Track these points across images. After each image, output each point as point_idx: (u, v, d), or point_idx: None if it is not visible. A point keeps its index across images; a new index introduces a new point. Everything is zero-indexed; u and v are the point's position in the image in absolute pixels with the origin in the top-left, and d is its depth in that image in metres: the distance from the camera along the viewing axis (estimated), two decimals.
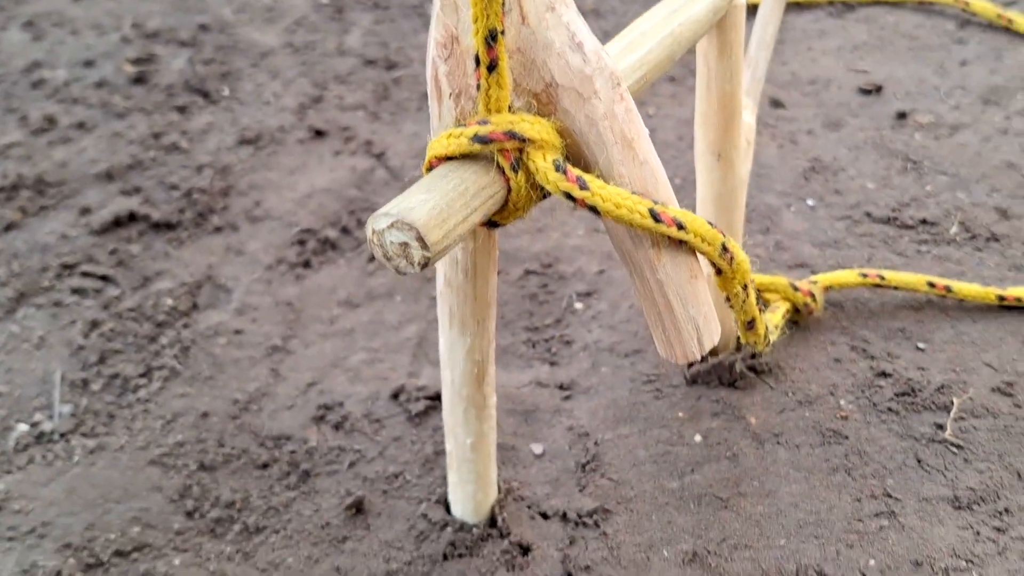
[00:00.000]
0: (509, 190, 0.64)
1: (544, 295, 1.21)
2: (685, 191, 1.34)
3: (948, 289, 1.12)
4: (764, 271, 1.20)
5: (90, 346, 1.16)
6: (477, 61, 0.60)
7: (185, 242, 1.31)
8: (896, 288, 1.13)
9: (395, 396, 1.07)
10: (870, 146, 1.40)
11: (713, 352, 1.11)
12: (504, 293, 1.21)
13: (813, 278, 1.13)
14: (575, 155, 0.65)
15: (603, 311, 1.18)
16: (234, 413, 1.07)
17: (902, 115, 1.46)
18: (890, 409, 1.02)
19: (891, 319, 1.13)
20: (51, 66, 1.69)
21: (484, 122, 0.62)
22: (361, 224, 1.32)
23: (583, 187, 0.62)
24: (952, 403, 1.02)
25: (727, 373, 1.06)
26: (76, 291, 1.23)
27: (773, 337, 0.98)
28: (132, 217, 1.34)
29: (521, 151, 0.62)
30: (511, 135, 0.61)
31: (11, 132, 1.52)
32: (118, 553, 0.93)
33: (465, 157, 0.63)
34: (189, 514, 0.97)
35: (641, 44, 0.76)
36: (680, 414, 1.03)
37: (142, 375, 1.12)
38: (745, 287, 0.74)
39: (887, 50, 1.63)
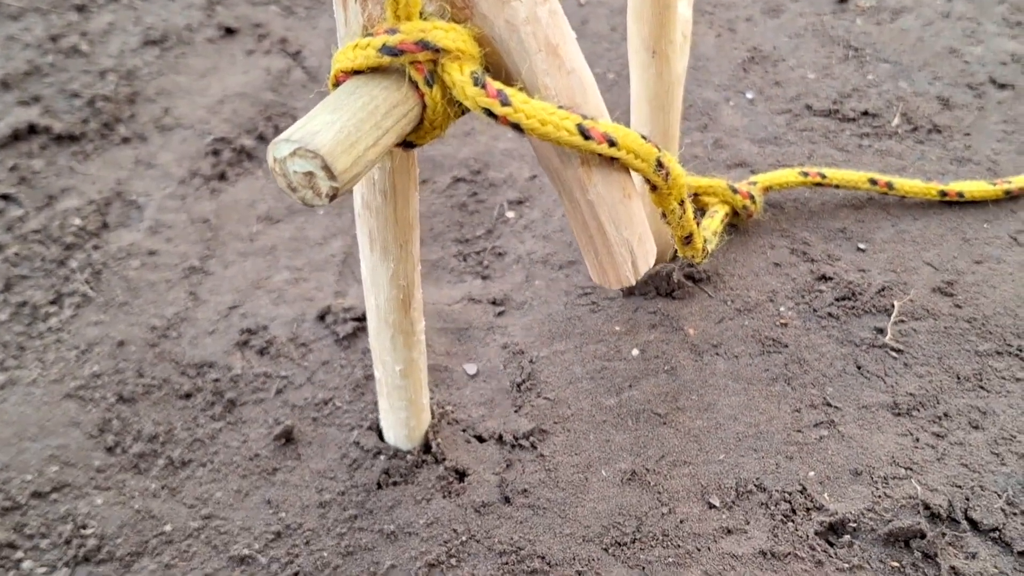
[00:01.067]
0: (424, 107, 0.58)
1: (474, 204, 1.16)
2: (620, 87, 1.29)
3: (890, 186, 1.09)
4: (702, 171, 1.16)
5: None
6: None
7: (91, 155, 1.23)
8: (837, 187, 1.10)
9: (321, 318, 1.03)
10: (810, 33, 1.36)
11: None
12: (431, 203, 1.16)
13: (752, 179, 1.09)
14: (495, 65, 0.59)
15: (536, 220, 1.13)
16: (152, 340, 1.02)
17: (841, 0, 1.41)
18: (830, 315, 1.00)
19: (832, 219, 1.10)
20: None
21: (393, 31, 0.56)
22: (279, 130, 1.25)
23: (505, 103, 0.56)
24: (893, 306, 1.00)
25: (664, 283, 1.03)
26: None
27: (711, 247, 0.95)
28: (32, 129, 1.25)
29: (435, 63, 0.57)
30: (423, 45, 0.55)
31: None
32: (36, 495, 0.88)
33: (374, 71, 0.58)
34: (110, 450, 0.92)
35: None
36: (617, 328, 1.00)
37: (52, 302, 1.06)
38: (682, 203, 0.70)
39: None
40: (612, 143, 0.59)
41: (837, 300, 1.01)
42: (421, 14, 0.57)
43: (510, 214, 1.14)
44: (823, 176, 1.10)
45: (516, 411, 0.94)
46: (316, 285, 1.07)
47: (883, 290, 1.01)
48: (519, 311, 1.03)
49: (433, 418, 0.92)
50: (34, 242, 1.12)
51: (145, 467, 0.91)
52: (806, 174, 1.10)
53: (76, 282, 1.07)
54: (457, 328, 1.02)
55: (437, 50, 0.56)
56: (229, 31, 1.40)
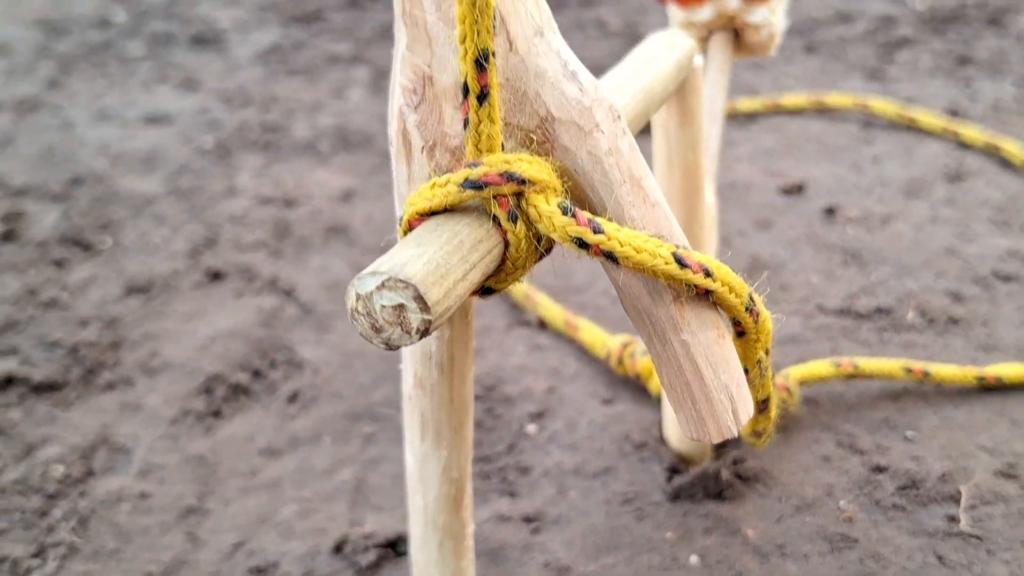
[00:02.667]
0: (507, 245, 0.55)
1: (491, 420, 1.10)
2: None
3: (926, 374, 1.06)
4: None
5: None
6: (465, 91, 0.51)
7: (73, 403, 1.15)
8: (871, 377, 1.07)
9: (338, 549, 0.93)
10: (805, 242, 1.37)
11: (690, 461, 1.02)
12: None
13: (784, 372, 1.06)
14: (578, 199, 0.56)
15: (559, 431, 1.07)
16: None
17: (830, 211, 1.45)
18: (895, 505, 0.93)
19: (872, 410, 1.06)
20: None
21: (475, 164, 0.53)
22: (275, 364, 1.20)
23: (597, 230, 0.53)
24: (959, 492, 0.94)
25: (712, 483, 0.96)
26: None
27: (772, 419, 0.89)
28: (9, 381, 1.18)
29: (519, 196, 0.53)
30: (508, 176, 0.52)
31: None
32: None
33: (452, 211, 0.54)
34: None
35: (624, 88, 0.69)
36: (668, 534, 0.92)
37: (35, 555, 0.95)
38: (767, 352, 0.65)
39: (798, 154, 1.63)
40: (708, 273, 0.56)
41: (899, 490, 0.95)
42: (502, 148, 0.55)
43: (531, 428, 1.08)
44: (856, 367, 1.07)
45: None
46: (328, 516, 0.98)
47: (944, 476, 0.96)
48: (556, 526, 0.95)
49: None
50: (13, 493, 1.02)
51: None
52: (839, 365, 1.07)
53: (61, 532, 0.97)
54: (489, 549, 0.93)
55: (522, 181, 0.53)
56: (216, 276, 1.37)
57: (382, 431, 1.09)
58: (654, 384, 1.07)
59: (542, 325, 1.25)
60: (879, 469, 0.98)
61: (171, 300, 1.33)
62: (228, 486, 1.03)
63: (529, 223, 0.54)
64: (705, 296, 0.58)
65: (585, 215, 0.54)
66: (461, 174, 0.53)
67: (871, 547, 0.89)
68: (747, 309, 0.60)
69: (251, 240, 1.45)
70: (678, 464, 1.01)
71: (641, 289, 0.57)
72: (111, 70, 2.14)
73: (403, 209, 0.59)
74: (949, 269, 1.30)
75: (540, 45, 0.54)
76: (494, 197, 0.53)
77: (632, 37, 2.21)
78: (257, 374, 1.19)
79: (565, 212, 0.53)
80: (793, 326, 1.21)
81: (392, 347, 0.50)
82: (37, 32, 2.36)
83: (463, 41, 0.50)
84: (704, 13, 0.96)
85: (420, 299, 0.47)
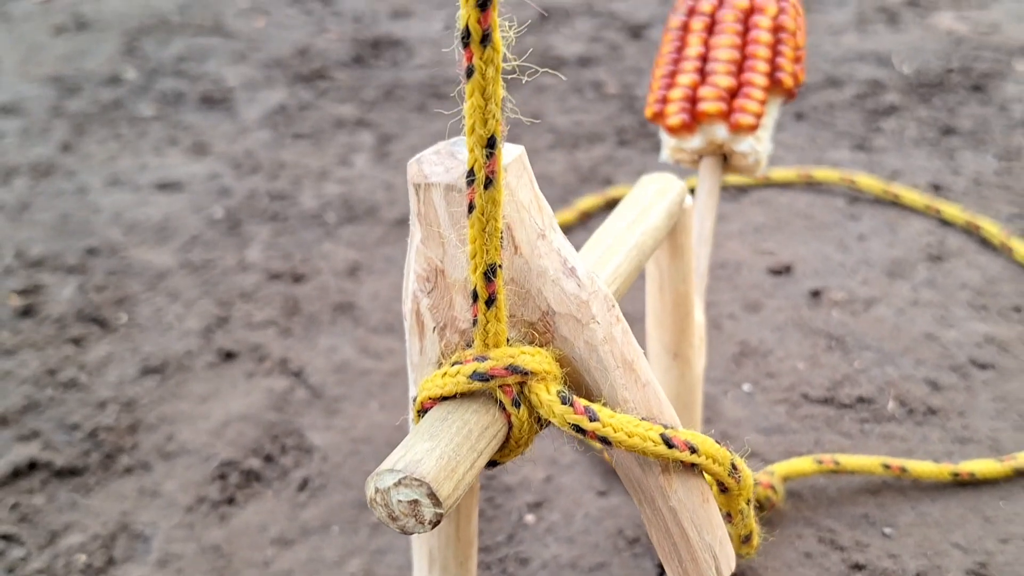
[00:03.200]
0: (511, 426, 0.61)
1: (491, 510, 1.16)
2: None
3: (903, 470, 1.12)
4: None
5: None
6: (475, 296, 0.58)
7: (93, 488, 1.21)
8: (852, 472, 1.13)
9: None
10: (792, 326, 1.44)
11: None
12: None
13: (769, 468, 1.12)
14: (575, 382, 0.63)
15: (557, 522, 1.13)
16: None
17: (816, 293, 1.51)
18: None
19: (852, 504, 1.12)
20: None
21: (482, 358, 0.59)
22: (286, 450, 1.26)
23: (593, 418, 0.59)
24: None
25: None
26: None
27: (757, 541, 0.95)
28: (32, 466, 1.23)
29: (522, 385, 0.60)
30: (512, 369, 0.59)
31: None
32: None
33: (463, 396, 0.60)
34: None
35: (610, 258, 0.75)
36: None
37: None
38: (748, 501, 0.71)
39: (787, 230, 1.70)
40: (693, 450, 0.62)
41: None
42: (508, 340, 0.61)
43: (530, 518, 1.14)
44: (837, 463, 1.13)
45: None
46: None
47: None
48: None
49: None
50: None
51: None
52: (820, 461, 1.13)
53: None
54: None
55: (526, 373, 0.59)
56: (228, 355, 1.43)
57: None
58: None
59: None
60: (857, 567, 1.04)
61: (186, 381, 1.39)
62: None
63: (531, 408, 0.60)
64: (691, 466, 0.64)
65: (582, 403, 0.60)
66: (470, 367, 0.59)
67: None
68: (730, 474, 0.66)
69: (261, 318, 1.51)
70: None
71: (632, 462, 0.63)
72: (123, 131, 2.20)
73: (416, 389, 0.65)
74: (928, 356, 1.36)
75: (542, 247, 0.61)
76: (500, 387, 0.59)
77: (629, 99, 2.28)
78: (269, 459, 1.25)
79: (564, 401, 0.59)
80: (779, 415, 1.27)
81: (407, 532, 0.56)
82: (51, 90, 2.43)
83: (473, 257, 0.56)
84: (694, 142, 1.03)
85: (433, 496, 0.53)
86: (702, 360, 1.00)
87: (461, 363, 0.60)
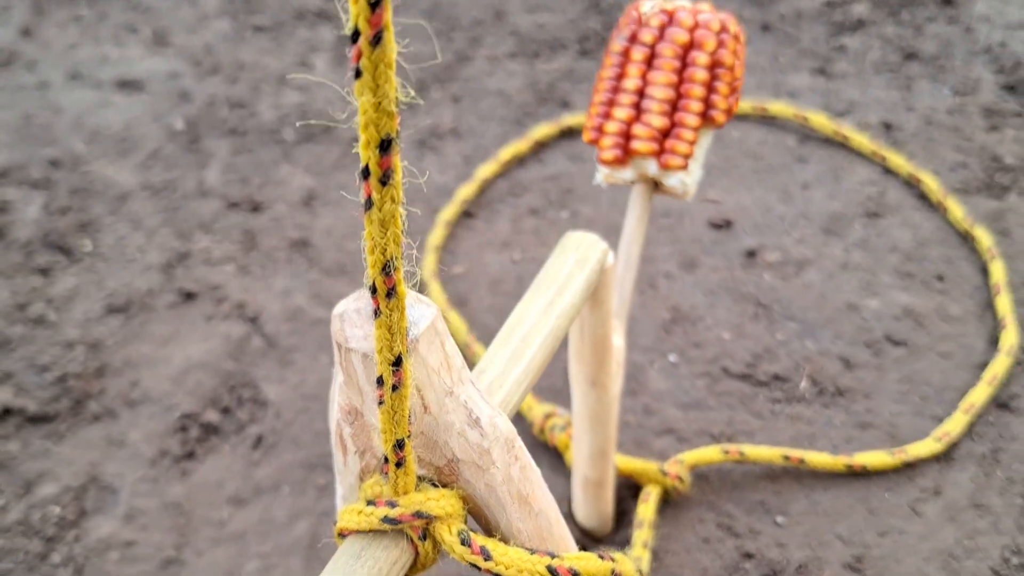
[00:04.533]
0: (417, 554, 0.71)
1: None
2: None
3: (801, 461, 1.25)
4: (635, 439, 1.31)
5: None
6: (386, 460, 0.66)
7: (64, 435, 1.32)
8: (755, 462, 1.25)
9: None
10: (724, 290, 1.53)
11: (592, 536, 1.21)
12: None
13: (679, 457, 1.24)
14: (476, 514, 0.72)
15: None
16: None
17: (751, 253, 1.59)
18: None
19: (752, 491, 1.25)
20: None
21: (393, 504, 0.68)
22: (242, 402, 1.36)
23: (487, 558, 0.69)
24: None
25: None
26: None
27: (645, 560, 1.08)
28: (7, 411, 1.34)
29: (428, 523, 0.69)
30: (419, 515, 0.68)
31: None
32: None
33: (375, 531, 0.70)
34: None
35: (523, 352, 0.84)
36: None
37: None
38: None
39: (734, 173, 1.76)
40: (576, 574, 0.72)
41: None
42: (418, 479, 0.70)
43: None
44: (742, 453, 1.25)
45: None
46: (284, 573, 1.17)
47: (801, 568, 1.16)
48: None
49: None
50: (17, 534, 1.21)
51: None
52: (727, 451, 1.25)
53: None
54: None
55: (430, 518, 0.68)
56: (188, 296, 1.51)
57: (334, 483, 1.27)
58: (569, 457, 1.25)
59: None
60: (748, 556, 1.18)
61: (148, 322, 1.48)
62: (201, 536, 1.21)
63: (435, 543, 0.70)
64: None
65: (478, 543, 0.70)
66: (382, 511, 0.69)
67: None
68: None
69: (220, 254, 1.58)
70: (582, 540, 1.20)
71: None
72: (83, 11, 2.18)
73: (339, 500, 0.75)
74: (846, 330, 1.46)
75: (449, 403, 0.69)
76: (408, 526, 0.69)
77: None
78: (226, 411, 1.35)
79: (463, 542, 0.69)
80: (699, 390, 1.38)
81: None
82: None
83: (384, 431, 0.65)
84: (626, 174, 1.08)
85: None
86: (618, 383, 1.10)
87: (375, 504, 0.69)
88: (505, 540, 0.73)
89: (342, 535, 0.72)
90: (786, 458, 1.25)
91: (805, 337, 1.45)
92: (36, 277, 1.54)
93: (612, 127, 1.07)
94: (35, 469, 1.28)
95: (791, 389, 1.38)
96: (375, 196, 0.51)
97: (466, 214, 1.69)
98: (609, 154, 1.07)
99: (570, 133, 1.85)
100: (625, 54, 1.10)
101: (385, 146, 0.49)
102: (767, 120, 1.88)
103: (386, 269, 0.55)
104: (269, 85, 1.97)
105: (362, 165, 0.51)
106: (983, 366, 1.39)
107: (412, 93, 0.54)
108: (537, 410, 1.30)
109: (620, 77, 1.09)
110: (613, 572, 0.78)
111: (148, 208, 1.67)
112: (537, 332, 0.85)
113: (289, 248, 1.60)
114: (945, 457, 1.28)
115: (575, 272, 0.91)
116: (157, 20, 2.15)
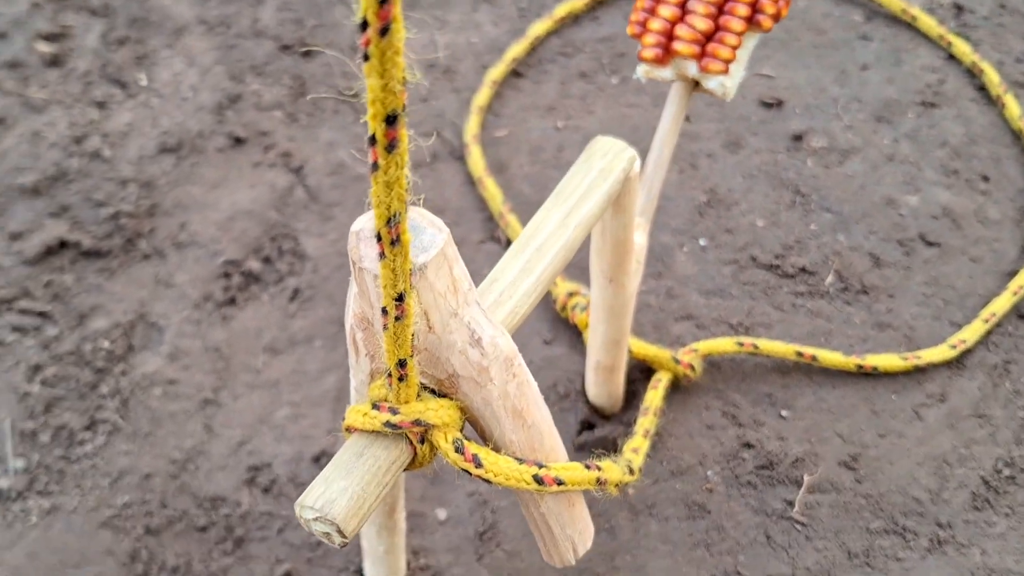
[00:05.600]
0: (415, 454, 0.77)
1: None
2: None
3: (814, 358, 1.28)
4: (654, 322, 1.35)
5: (35, 393, 1.27)
6: (388, 374, 0.71)
7: (116, 272, 1.39)
8: (768, 356, 1.29)
9: (316, 460, 1.22)
10: (764, 174, 1.52)
11: (602, 413, 1.28)
12: None
13: (693, 346, 1.28)
14: (473, 423, 0.78)
15: None
16: (173, 472, 1.21)
17: (798, 137, 1.57)
18: (749, 483, 1.20)
19: (761, 382, 1.29)
20: None
21: (395, 411, 0.74)
22: (282, 253, 1.42)
23: (478, 465, 0.75)
24: (803, 478, 1.20)
25: (611, 444, 1.23)
26: (16, 329, 1.33)
27: (643, 449, 1.13)
28: (63, 244, 1.41)
29: (427, 429, 0.75)
30: (418, 423, 0.74)
31: None
32: None
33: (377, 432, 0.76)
34: None
35: (536, 264, 0.87)
36: None
37: (87, 427, 1.24)
38: (617, 484, 0.89)
39: (793, 47, 1.71)
40: (560, 483, 0.78)
41: (757, 469, 1.21)
42: (419, 389, 0.75)
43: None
44: (756, 346, 1.29)
45: (478, 559, 1.14)
46: (313, 422, 1.26)
47: (797, 461, 1.22)
48: None
49: (409, 569, 1.12)
50: (69, 363, 1.30)
51: None
52: (741, 344, 1.29)
53: (107, 410, 1.26)
54: (432, 472, 1.21)
55: (428, 426, 0.74)
56: (238, 140, 1.55)
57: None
58: (587, 337, 1.30)
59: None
60: (747, 445, 1.23)
61: (199, 164, 1.52)
62: (238, 381, 1.30)
63: (431, 447, 0.76)
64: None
65: (471, 451, 0.75)
66: (384, 416, 0.74)
67: (718, 519, 1.17)
68: (596, 488, 0.83)
69: (269, 99, 1.61)
70: (591, 417, 1.26)
71: None
72: None
73: (352, 392, 0.81)
74: (882, 225, 1.46)
75: (453, 324, 0.73)
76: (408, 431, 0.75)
77: None
78: (267, 261, 1.41)
79: (457, 450, 0.75)
80: (725, 277, 1.40)
81: (327, 542, 0.74)
82: None
83: (387, 351, 0.69)
84: (665, 73, 1.08)
85: (340, 531, 0.71)
86: (636, 280, 1.13)
87: (379, 408, 0.75)
88: (498, 449, 0.79)
89: (349, 431, 0.78)
90: (799, 354, 1.29)
91: (838, 230, 1.45)
92: (93, 109, 1.58)
93: (655, 25, 1.06)
94: (88, 303, 1.36)
95: (816, 283, 1.40)
96: (381, 162, 0.54)
97: (514, 73, 1.68)
98: (650, 52, 1.06)
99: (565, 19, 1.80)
100: None
101: (391, 120, 0.51)
102: None
103: (390, 222, 0.59)
104: None
105: (369, 134, 0.54)
106: (1012, 275, 1.40)
107: (419, 75, 0.57)
108: (561, 287, 1.34)
109: None
110: (598, 480, 0.84)
111: (203, 44, 1.69)
112: (552, 243, 0.88)
113: (336, 100, 1.62)
114: (957, 363, 1.31)
115: (597, 182, 0.93)
116: None
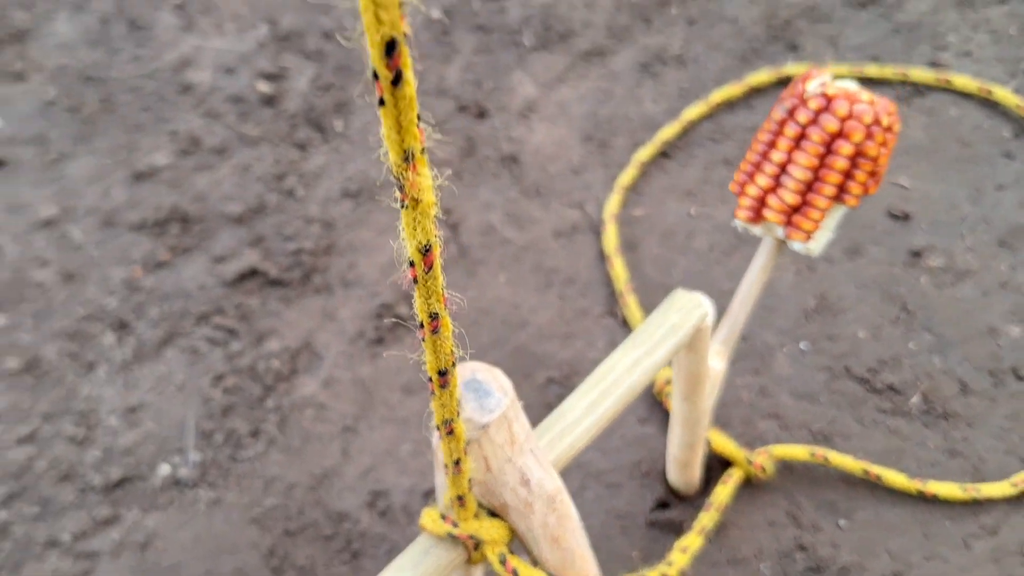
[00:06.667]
0: (470, 554, 0.96)
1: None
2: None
3: (879, 478, 1.39)
4: (742, 416, 1.48)
5: (216, 398, 1.54)
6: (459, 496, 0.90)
7: (293, 301, 1.64)
8: (837, 468, 1.40)
9: (426, 495, 1.43)
10: (876, 286, 1.61)
11: (678, 495, 1.43)
12: (527, 396, 1.53)
13: (769, 448, 1.41)
14: (519, 538, 0.96)
15: (603, 435, 1.48)
16: (312, 485, 1.45)
17: (917, 253, 1.64)
18: None
19: (827, 488, 1.41)
20: (197, 65, 1.96)
21: (456, 524, 0.93)
22: None
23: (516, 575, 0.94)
24: None
25: (679, 528, 1.38)
26: (209, 340, 1.60)
27: (694, 547, 1.28)
28: (254, 272, 1.67)
29: (479, 543, 0.94)
30: (472, 538, 0.93)
31: (164, 149, 1.83)
32: None
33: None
34: (274, 571, 1.37)
35: (600, 404, 1.03)
36: (635, 553, 1.37)
37: (251, 435, 1.50)
38: None
39: (935, 158, 1.77)
40: None
41: (806, 570, 1.34)
42: (477, 507, 0.94)
43: None
44: (827, 459, 1.40)
45: None
46: (428, 462, 1.47)
47: (843, 569, 1.33)
48: None
49: None
50: (246, 376, 1.56)
51: None
52: (814, 454, 1.41)
53: (269, 423, 1.51)
54: None
55: (481, 541, 0.93)
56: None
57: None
58: None
59: (625, 324, 1.60)
60: (802, 547, 1.36)
61: (373, 211, 1.75)
62: (375, 414, 1.52)
63: (483, 555, 0.95)
64: None
65: (512, 564, 0.94)
66: (447, 527, 0.93)
67: None
68: None
69: (442, 155, 1.81)
70: (667, 497, 1.42)
71: None
72: None
73: (424, 510, 1.00)
74: (979, 354, 1.53)
75: (507, 467, 0.91)
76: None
77: None
78: (411, 307, 1.62)
79: (501, 562, 0.94)
80: (817, 383, 1.51)
81: None
82: None
83: (448, 488, 0.88)
84: (756, 230, 1.20)
85: None
86: (711, 399, 1.27)
87: (446, 519, 0.94)
88: (535, 563, 0.97)
89: (422, 528, 0.98)
90: (865, 472, 1.39)
91: (935, 352, 1.53)
92: (294, 150, 1.83)
93: (751, 191, 1.19)
94: (267, 325, 1.62)
95: (901, 402, 1.49)
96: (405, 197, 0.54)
97: (663, 153, 1.82)
98: (743, 213, 1.20)
99: (787, 82, 1.90)
100: (781, 126, 1.19)
101: (408, 157, 0.51)
102: (990, 103, 1.85)
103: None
104: None
105: (392, 174, 0.53)
106: None
107: (433, 130, 0.63)
108: (661, 374, 1.49)
109: (771, 145, 1.19)
110: None
111: None
112: (618, 386, 1.04)
113: (498, 162, 1.80)
114: (1015, 500, 1.38)
115: (668, 336, 1.08)
116: None
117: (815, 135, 1.16)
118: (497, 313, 1.62)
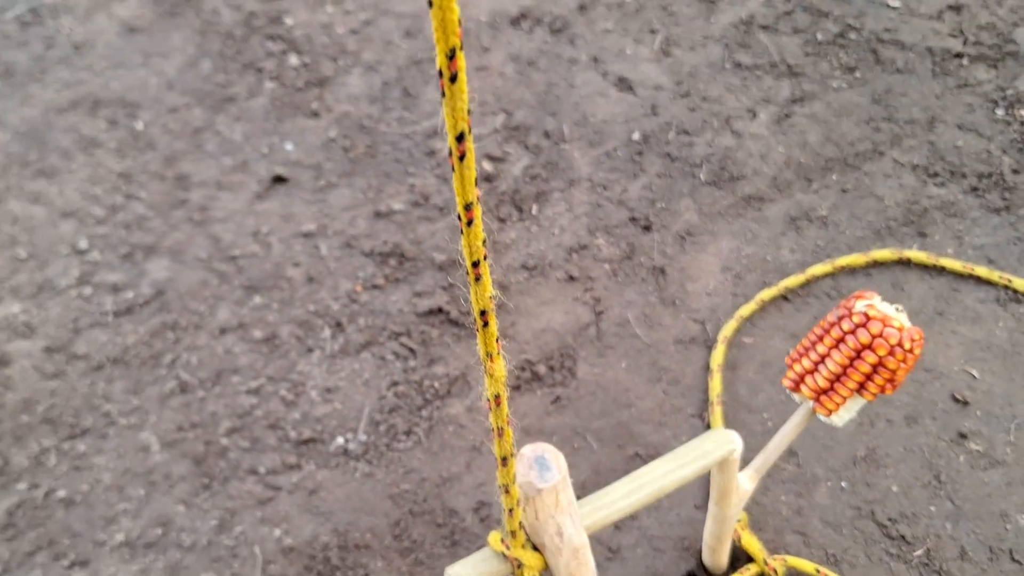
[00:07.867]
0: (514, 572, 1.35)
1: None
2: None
3: None
4: (776, 525, 1.79)
5: (388, 398, 1.99)
6: (503, 532, 1.30)
7: (462, 339, 2.07)
8: None
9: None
10: (920, 453, 1.87)
11: (708, 573, 1.76)
12: (615, 462, 1.89)
13: (785, 557, 1.72)
14: (550, 569, 1.34)
15: (660, 508, 1.83)
16: (438, 483, 1.87)
17: (963, 435, 1.89)
18: None
19: None
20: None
21: (508, 548, 1.33)
22: (562, 368, 2.01)
23: None
24: None
25: None
26: (395, 354, 2.05)
27: None
28: (440, 310, 2.11)
29: (522, 565, 1.33)
30: (518, 563, 1.32)
31: (402, 196, 2.30)
32: (355, 545, 1.79)
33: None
34: (396, 537, 1.81)
35: (634, 494, 1.40)
36: None
37: (405, 433, 1.94)
38: None
39: (1010, 358, 1.99)
40: None
41: None
42: (524, 544, 1.33)
43: None
44: None
45: None
46: None
47: None
48: (620, 563, 1.76)
49: None
50: (412, 388, 2.00)
51: (409, 555, 1.79)
52: (819, 571, 1.70)
53: (420, 428, 1.95)
54: None
55: (523, 565, 1.32)
56: (571, 278, 2.15)
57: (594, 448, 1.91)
58: None
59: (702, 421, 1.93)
60: None
61: (540, 285, 2.15)
62: (485, 449, 1.92)
63: (522, 574, 1.34)
64: None
65: None
66: (502, 548, 1.33)
67: None
68: None
69: (607, 254, 2.19)
70: (698, 571, 1.75)
71: None
72: (627, 0, 2.73)
73: (492, 532, 1.40)
74: (985, 531, 1.77)
75: (550, 521, 1.29)
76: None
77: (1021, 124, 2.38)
78: (551, 369, 2.02)
79: None
80: (845, 517, 1.80)
81: None
82: None
83: (508, 511, 1.27)
84: (796, 397, 1.52)
85: None
86: (737, 510, 1.59)
87: (503, 542, 1.34)
88: None
89: (489, 543, 1.38)
90: None
91: (950, 519, 1.78)
92: (496, 222, 2.26)
93: (797, 368, 1.51)
94: (438, 353, 2.05)
95: (907, 552, 1.76)
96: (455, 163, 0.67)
97: (783, 296, 2.13)
98: (788, 383, 1.52)
99: (907, 263, 2.15)
100: (830, 327, 1.51)
101: (460, 138, 0.63)
102: None
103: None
104: (717, 122, 2.44)
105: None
106: None
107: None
108: None
109: (819, 339, 1.51)
110: None
111: (583, 198, 2.30)
112: (650, 485, 1.40)
113: (650, 269, 2.16)
114: None
115: (698, 459, 1.43)
116: (674, 27, 2.66)
117: (851, 342, 1.47)
118: (611, 391, 1.99)
